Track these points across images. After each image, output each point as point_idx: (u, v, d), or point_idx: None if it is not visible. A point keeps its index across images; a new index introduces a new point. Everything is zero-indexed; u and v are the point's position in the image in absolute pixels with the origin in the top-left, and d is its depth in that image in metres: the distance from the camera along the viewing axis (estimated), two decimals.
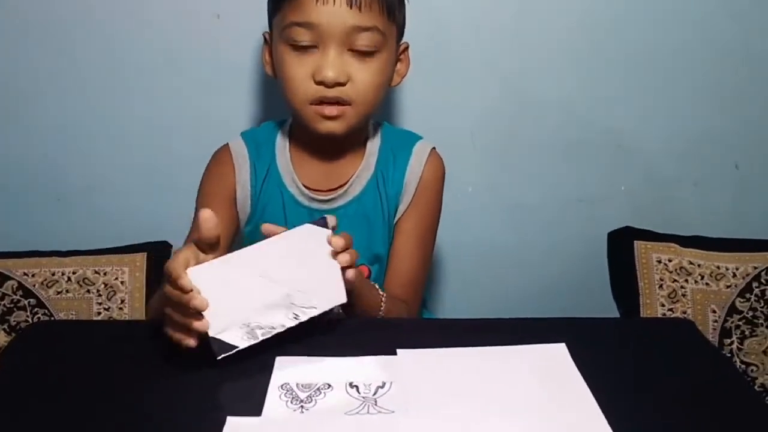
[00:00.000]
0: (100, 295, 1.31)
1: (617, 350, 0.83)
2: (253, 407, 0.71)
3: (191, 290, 0.72)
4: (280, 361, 0.78)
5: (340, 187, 1.06)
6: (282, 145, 1.08)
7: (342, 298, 0.80)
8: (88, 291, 1.31)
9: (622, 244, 1.43)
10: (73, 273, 1.31)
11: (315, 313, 0.79)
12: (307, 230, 0.79)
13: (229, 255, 0.77)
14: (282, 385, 0.75)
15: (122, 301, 1.31)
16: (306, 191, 1.06)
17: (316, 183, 1.07)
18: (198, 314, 0.73)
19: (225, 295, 0.75)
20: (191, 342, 0.75)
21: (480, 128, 1.35)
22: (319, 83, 0.96)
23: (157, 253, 1.37)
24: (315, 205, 1.06)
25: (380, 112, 1.11)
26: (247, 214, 1.07)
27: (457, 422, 0.70)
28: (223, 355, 0.76)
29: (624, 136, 1.38)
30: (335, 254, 0.80)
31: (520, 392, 0.74)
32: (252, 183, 1.06)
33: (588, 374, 0.76)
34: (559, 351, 0.81)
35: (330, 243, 0.80)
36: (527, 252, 1.45)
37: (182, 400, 0.73)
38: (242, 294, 0.76)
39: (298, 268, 0.78)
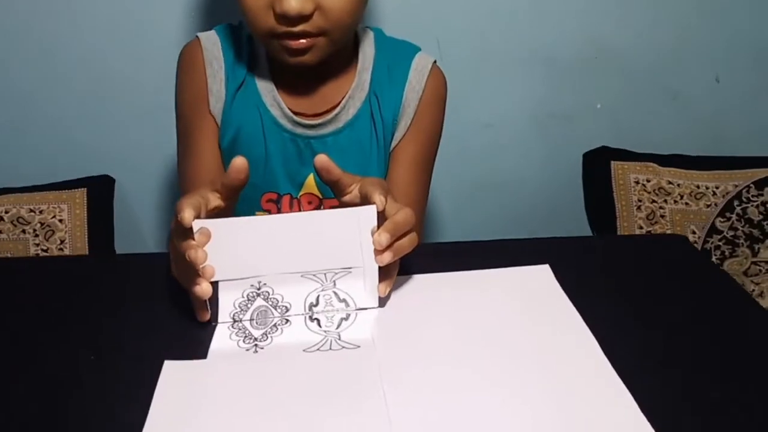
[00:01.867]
0: (36, 236, 1.21)
1: (605, 269, 0.78)
2: (201, 349, 0.64)
3: (191, 230, 0.61)
4: None
5: (330, 110, 0.91)
6: (261, 55, 0.92)
7: (373, 303, 0.69)
8: (24, 231, 1.21)
9: (598, 165, 1.37)
10: (6, 212, 1.21)
11: (335, 313, 0.68)
12: (352, 214, 0.66)
13: (252, 218, 0.65)
14: (233, 324, 0.67)
15: (62, 242, 1.21)
16: (290, 114, 0.90)
17: (302, 105, 0.91)
18: (199, 275, 0.62)
19: (236, 260, 0.64)
20: (203, 316, 0.67)
21: (447, 37, 1.26)
22: (281, 16, 0.79)
23: (99, 188, 1.27)
24: (300, 131, 0.90)
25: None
26: (219, 126, 0.91)
27: (433, 356, 0.62)
28: (218, 323, 0.67)
29: (600, 46, 1.31)
30: (376, 253, 0.66)
31: (503, 318, 0.68)
32: (226, 92, 0.90)
33: (575, 296, 0.70)
34: (544, 272, 0.75)
35: (373, 239, 0.65)
36: (498, 173, 1.39)
37: (122, 342, 0.66)
38: (257, 266, 0.65)
39: (331, 256, 0.66)
